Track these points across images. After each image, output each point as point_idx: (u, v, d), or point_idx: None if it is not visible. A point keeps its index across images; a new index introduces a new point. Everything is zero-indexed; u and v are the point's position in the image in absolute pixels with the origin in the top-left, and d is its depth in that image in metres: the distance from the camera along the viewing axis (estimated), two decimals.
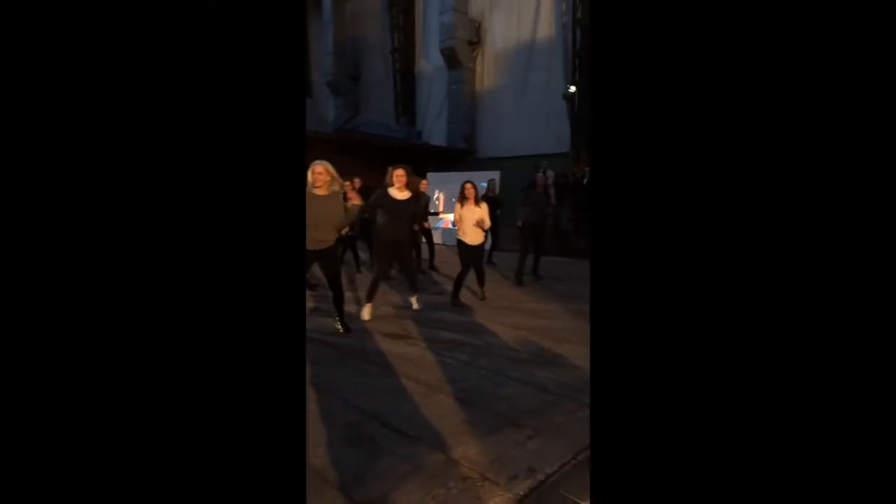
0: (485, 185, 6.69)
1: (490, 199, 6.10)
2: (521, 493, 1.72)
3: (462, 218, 4.49)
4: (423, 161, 10.97)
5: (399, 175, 3.87)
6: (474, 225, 4.45)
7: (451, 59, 13.28)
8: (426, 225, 6.15)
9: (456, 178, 8.29)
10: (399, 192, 3.90)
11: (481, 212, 4.47)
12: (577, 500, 1.68)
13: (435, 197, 9.01)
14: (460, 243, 4.59)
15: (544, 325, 3.89)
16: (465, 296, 4.80)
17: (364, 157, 10.12)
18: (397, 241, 3.96)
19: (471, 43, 13.30)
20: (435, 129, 14.56)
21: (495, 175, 7.56)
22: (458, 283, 4.59)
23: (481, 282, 4.81)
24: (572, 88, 10.42)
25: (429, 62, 14.88)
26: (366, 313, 3.95)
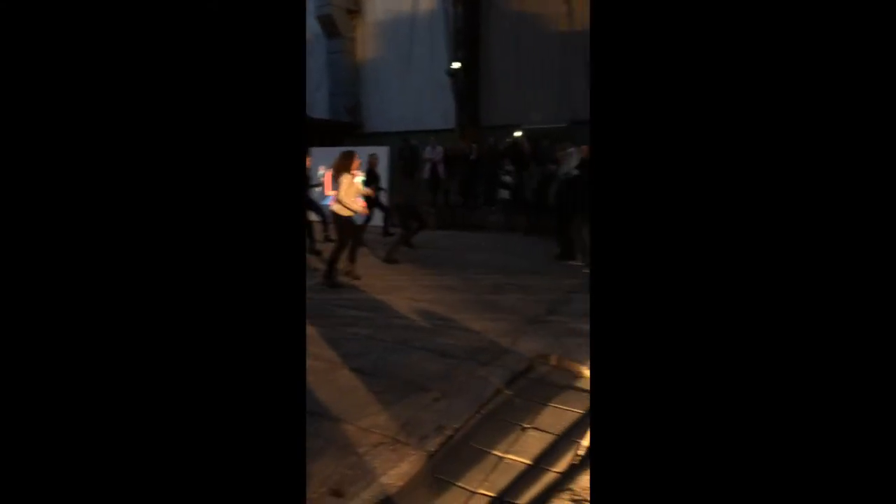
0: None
1: (372, 173, 6.04)
2: (433, 449, 1.81)
3: (342, 190, 4.30)
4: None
5: None
6: (356, 197, 4.35)
7: (329, 26, 12.61)
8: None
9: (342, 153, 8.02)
10: None
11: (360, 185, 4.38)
12: (486, 449, 1.82)
13: (320, 173, 8.66)
14: (338, 217, 4.36)
15: (440, 295, 4.02)
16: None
17: None
18: None
19: (350, 11, 12.76)
20: (316, 102, 13.82)
21: (382, 150, 7.46)
22: (335, 259, 4.38)
23: (352, 257, 4.65)
24: (456, 64, 10.58)
25: (306, 29, 13.99)
26: None
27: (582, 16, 8.88)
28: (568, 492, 1.60)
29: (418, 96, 12.09)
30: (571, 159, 5.28)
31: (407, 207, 5.73)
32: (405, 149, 8.61)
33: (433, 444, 1.84)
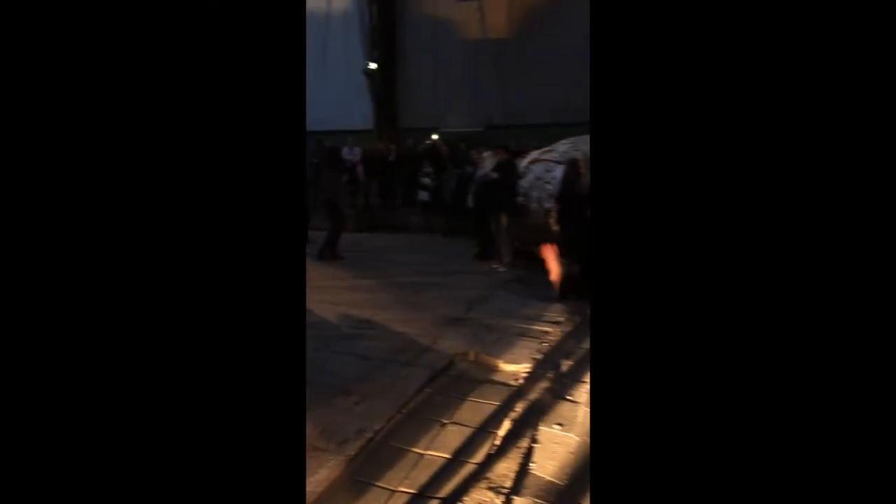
0: None
1: None
2: (353, 452, 1.80)
3: None
4: None
5: None
6: None
7: None
8: None
9: None
10: None
11: None
12: (406, 447, 1.84)
13: None
14: None
15: (360, 297, 3.98)
16: None
17: None
18: None
19: None
20: None
21: None
22: None
23: None
24: (373, 65, 10.50)
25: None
26: None
27: (493, 23, 9.22)
28: (485, 480, 1.67)
29: (334, 96, 11.81)
30: (487, 162, 5.47)
31: (332, 206, 5.62)
32: (320, 149, 8.41)
33: (353, 448, 1.83)
